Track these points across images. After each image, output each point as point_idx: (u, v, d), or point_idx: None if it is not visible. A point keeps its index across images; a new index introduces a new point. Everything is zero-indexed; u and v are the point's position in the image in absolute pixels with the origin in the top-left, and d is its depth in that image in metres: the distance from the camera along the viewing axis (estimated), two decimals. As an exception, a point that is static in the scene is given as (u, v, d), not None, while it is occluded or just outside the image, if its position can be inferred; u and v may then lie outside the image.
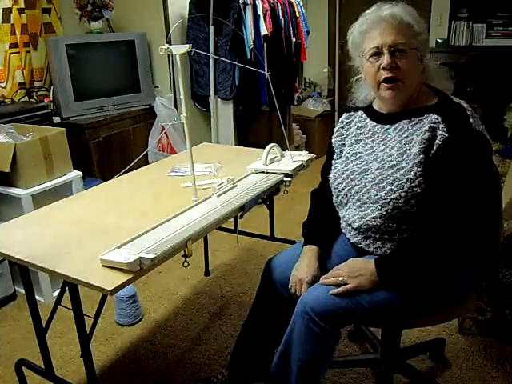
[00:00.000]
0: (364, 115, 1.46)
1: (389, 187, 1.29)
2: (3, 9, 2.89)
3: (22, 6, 2.98)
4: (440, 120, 1.24)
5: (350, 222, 1.42)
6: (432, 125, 1.25)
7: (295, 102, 4.22)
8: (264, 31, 3.30)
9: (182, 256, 1.33)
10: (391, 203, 1.28)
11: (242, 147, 2.68)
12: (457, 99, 1.31)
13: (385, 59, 1.27)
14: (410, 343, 1.96)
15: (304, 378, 1.34)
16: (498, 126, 3.81)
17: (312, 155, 1.97)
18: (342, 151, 1.49)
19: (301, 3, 3.79)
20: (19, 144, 2.20)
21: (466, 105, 1.28)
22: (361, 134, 1.44)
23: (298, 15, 3.71)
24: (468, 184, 1.21)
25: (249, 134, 3.98)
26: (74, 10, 3.15)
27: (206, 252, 2.57)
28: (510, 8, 4.09)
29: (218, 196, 1.63)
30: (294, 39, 3.68)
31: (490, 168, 1.28)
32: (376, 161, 1.35)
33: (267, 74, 1.64)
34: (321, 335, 1.29)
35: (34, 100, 3.07)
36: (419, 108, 1.31)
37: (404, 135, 1.31)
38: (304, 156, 1.95)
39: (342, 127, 1.52)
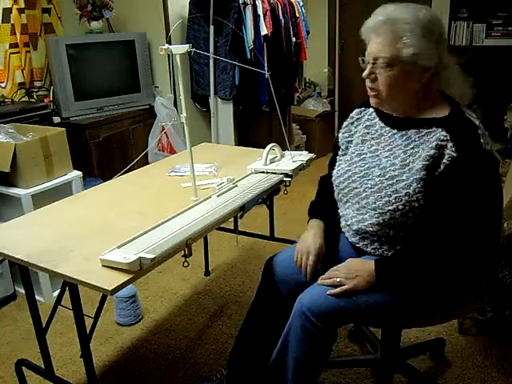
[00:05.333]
0: (374, 113, 1.43)
1: (387, 198, 1.28)
2: (3, 9, 2.89)
3: (22, 5, 2.97)
4: (448, 138, 1.20)
5: (348, 222, 1.42)
6: (440, 142, 1.21)
7: (295, 102, 4.22)
8: (264, 31, 3.30)
9: (182, 256, 1.33)
10: (388, 214, 1.28)
11: (241, 147, 2.67)
12: (469, 113, 1.26)
13: (366, 69, 1.27)
14: (410, 343, 1.96)
15: (300, 376, 1.36)
16: (498, 126, 3.81)
17: (312, 155, 1.97)
18: (347, 148, 1.47)
19: (301, 3, 3.79)
20: (19, 144, 2.20)
21: (477, 121, 1.24)
22: (368, 133, 1.42)
23: (298, 15, 3.71)
24: (474, 203, 1.19)
25: (249, 134, 3.98)
26: (74, 10, 3.15)
27: (206, 252, 2.56)
28: (510, 8, 4.09)
29: (218, 196, 1.63)
30: (294, 39, 3.68)
31: (496, 186, 1.25)
32: (378, 167, 1.34)
33: (267, 74, 1.64)
34: (317, 335, 1.30)
35: (34, 100, 3.06)
36: (429, 119, 1.27)
37: (410, 146, 1.28)
38: (304, 156, 1.95)
39: (352, 123, 1.49)
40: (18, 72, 3.02)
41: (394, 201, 1.27)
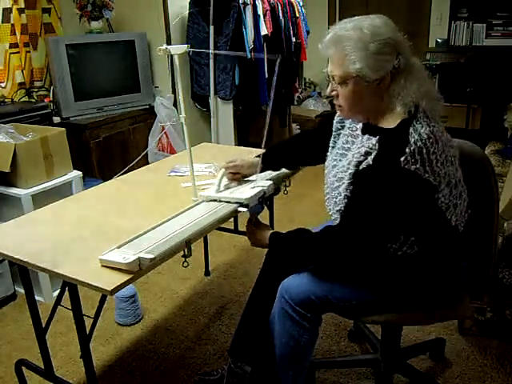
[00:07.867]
0: None
1: (334, 199, 1.32)
2: (3, 9, 2.89)
3: (22, 6, 2.98)
4: (376, 147, 1.20)
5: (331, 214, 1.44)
6: (368, 150, 1.22)
7: (295, 102, 4.22)
8: (264, 31, 3.30)
9: (182, 256, 1.33)
10: (337, 214, 1.31)
11: (242, 147, 2.67)
12: (420, 127, 1.18)
13: (328, 87, 1.31)
14: (410, 343, 1.96)
15: (286, 358, 1.41)
16: (498, 126, 3.81)
17: (272, 183, 1.88)
18: (335, 142, 1.46)
19: (301, 3, 3.79)
20: (19, 144, 2.20)
21: (415, 138, 1.15)
22: (350, 130, 1.40)
23: (297, 15, 3.71)
24: (366, 207, 1.20)
25: (249, 134, 3.98)
26: (74, 10, 3.15)
27: (206, 252, 2.56)
28: (510, 8, 4.09)
29: (218, 196, 1.62)
30: (293, 39, 3.68)
31: (403, 204, 1.19)
32: (337, 167, 1.36)
33: (278, 60, 1.61)
34: (295, 318, 1.37)
35: (33, 100, 3.07)
36: (379, 128, 1.26)
37: (359, 150, 1.28)
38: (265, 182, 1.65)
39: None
40: (18, 72, 3.03)
41: (338, 202, 1.30)
